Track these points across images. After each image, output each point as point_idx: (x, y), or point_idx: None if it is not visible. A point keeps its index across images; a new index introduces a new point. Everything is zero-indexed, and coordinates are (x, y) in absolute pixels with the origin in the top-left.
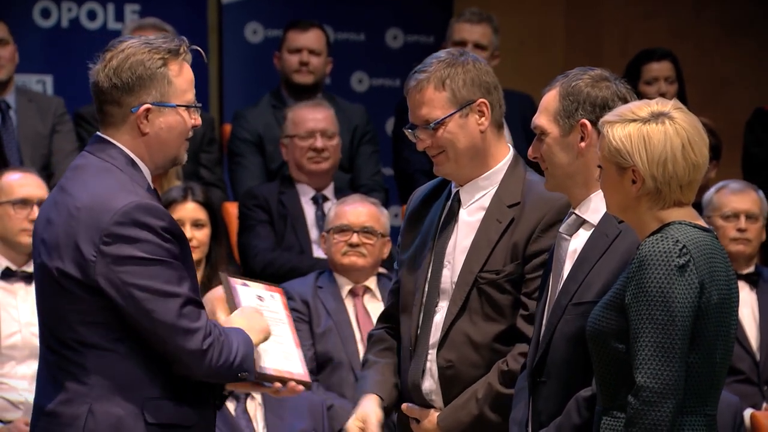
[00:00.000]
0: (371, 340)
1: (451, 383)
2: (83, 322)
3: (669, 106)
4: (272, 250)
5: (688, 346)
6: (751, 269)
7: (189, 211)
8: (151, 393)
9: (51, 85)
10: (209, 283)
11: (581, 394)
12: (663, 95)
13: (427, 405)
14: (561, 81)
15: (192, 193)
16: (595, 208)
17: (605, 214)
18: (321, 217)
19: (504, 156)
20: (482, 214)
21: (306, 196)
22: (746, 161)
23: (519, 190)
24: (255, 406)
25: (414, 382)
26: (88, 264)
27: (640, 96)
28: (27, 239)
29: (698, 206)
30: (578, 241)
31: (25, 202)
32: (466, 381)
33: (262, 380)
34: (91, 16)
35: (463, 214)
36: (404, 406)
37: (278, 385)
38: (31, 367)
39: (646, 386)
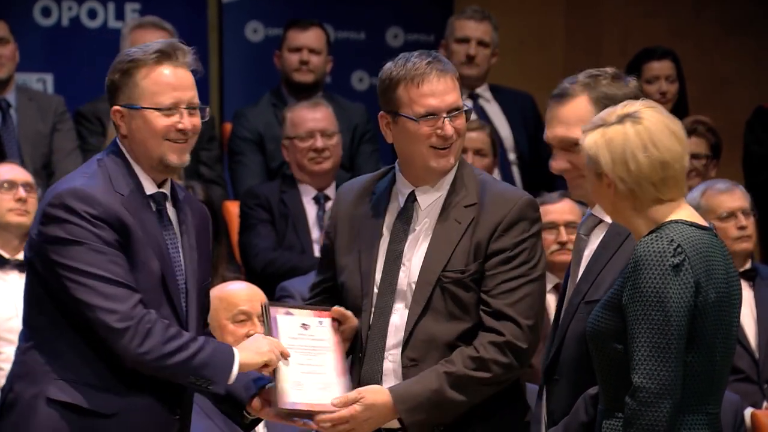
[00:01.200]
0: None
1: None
2: (30, 304)
3: (637, 105)
4: (273, 250)
5: (684, 345)
6: (747, 266)
7: None
8: (74, 376)
9: (51, 83)
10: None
11: (589, 392)
12: (664, 94)
13: None
14: (579, 88)
15: (192, 192)
16: None
17: None
18: (322, 216)
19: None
20: (436, 214)
21: (308, 195)
22: (746, 160)
23: (474, 190)
24: None
25: (371, 383)
26: (31, 243)
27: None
28: (16, 218)
29: None
30: (595, 241)
31: (11, 184)
32: None
33: (288, 416)
34: (92, 14)
35: (420, 215)
36: (335, 401)
37: (303, 421)
38: None
39: (642, 387)
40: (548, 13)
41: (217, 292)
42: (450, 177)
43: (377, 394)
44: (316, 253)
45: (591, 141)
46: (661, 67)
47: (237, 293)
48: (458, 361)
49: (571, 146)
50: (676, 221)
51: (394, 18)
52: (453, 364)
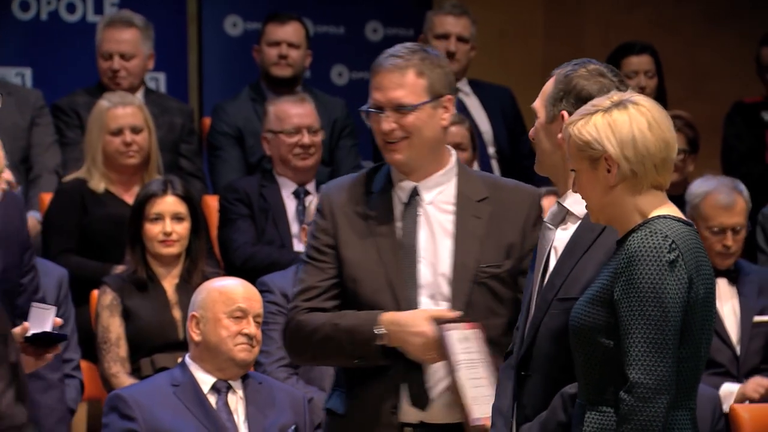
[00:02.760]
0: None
1: None
2: None
3: (628, 94)
4: (252, 244)
5: (678, 341)
6: (730, 266)
7: (169, 204)
8: None
9: (30, 77)
10: (189, 278)
11: (567, 390)
12: (642, 89)
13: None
14: (563, 68)
15: (172, 186)
16: (578, 198)
17: None
18: (302, 211)
19: (451, 155)
20: (449, 209)
21: (287, 189)
22: (725, 154)
23: (480, 185)
24: (236, 400)
25: None
26: None
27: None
28: None
29: (680, 200)
30: (565, 234)
31: None
32: None
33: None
34: (71, 8)
35: (428, 209)
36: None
37: None
38: None
39: (640, 382)
40: (528, 6)
41: (216, 285)
42: (452, 173)
43: None
44: (296, 247)
45: (589, 126)
46: (639, 62)
47: (236, 289)
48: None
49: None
50: (665, 216)
51: (374, 12)
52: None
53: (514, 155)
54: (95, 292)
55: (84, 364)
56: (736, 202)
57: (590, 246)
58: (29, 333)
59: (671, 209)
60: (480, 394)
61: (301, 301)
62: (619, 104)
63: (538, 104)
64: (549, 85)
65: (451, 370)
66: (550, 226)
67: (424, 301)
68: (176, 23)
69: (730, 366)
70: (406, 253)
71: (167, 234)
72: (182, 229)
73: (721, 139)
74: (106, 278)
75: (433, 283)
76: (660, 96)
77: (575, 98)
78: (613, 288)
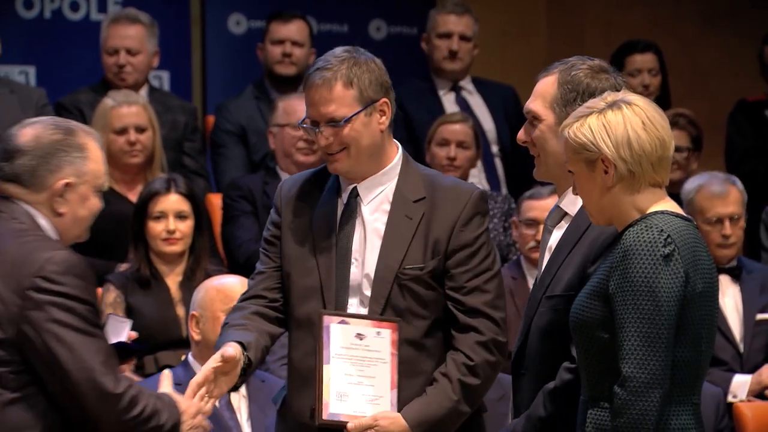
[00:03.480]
0: (231, 310)
1: None
2: None
3: (621, 94)
4: (256, 242)
5: (674, 335)
6: (733, 263)
7: (172, 202)
8: None
9: (34, 76)
10: (193, 275)
11: (548, 386)
12: (646, 87)
13: None
14: (559, 68)
15: (175, 184)
16: (573, 199)
17: (581, 207)
18: None
19: (396, 153)
20: (385, 209)
21: None
22: (729, 152)
23: (420, 185)
24: (239, 398)
25: None
26: None
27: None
28: None
29: (676, 199)
30: (560, 234)
31: None
32: None
33: (328, 426)
34: (74, 7)
35: (364, 210)
36: (351, 426)
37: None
38: None
39: (632, 376)
40: (530, 3)
41: (214, 283)
42: (394, 172)
43: (393, 422)
44: None
45: (584, 128)
46: (643, 60)
47: (234, 287)
48: (455, 372)
49: (531, 119)
50: (662, 212)
51: (377, 11)
52: (450, 377)
53: (517, 154)
54: (99, 290)
55: None
56: (729, 192)
57: (575, 245)
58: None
59: (670, 205)
60: (354, 392)
61: (250, 284)
62: (614, 105)
63: (540, 107)
64: (549, 87)
65: (320, 362)
66: (549, 227)
67: (352, 303)
68: (180, 21)
69: (733, 363)
70: (340, 255)
71: (170, 232)
72: (185, 227)
73: (723, 137)
74: (110, 276)
75: (359, 286)
76: (664, 93)
77: (589, 97)
78: (609, 282)
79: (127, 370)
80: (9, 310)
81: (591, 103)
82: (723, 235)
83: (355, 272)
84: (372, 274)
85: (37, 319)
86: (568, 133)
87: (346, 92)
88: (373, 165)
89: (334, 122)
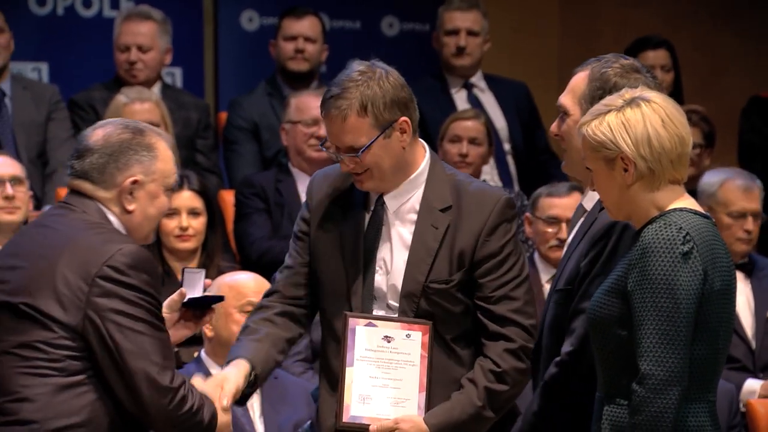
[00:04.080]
0: (255, 308)
1: None
2: None
3: (638, 90)
4: (268, 239)
5: (692, 333)
6: (745, 259)
7: (185, 199)
8: None
9: (47, 72)
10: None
11: (544, 378)
12: (659, 84)
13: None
14: (593, 64)
15: (188, 181)
16: (592, 195)
17: (597, 202)
18: None
19: (423, 157)
20: (412, 218)
21: (303, 184)
22: (742, 149)
23: (447, 192)
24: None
25: None
26: None
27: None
28: (5, 216)
29: (692, 194)
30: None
31: None
32: None
33: (350, 429)
34: (87, 3)
35: (391, 219)
36: (373, 428)
37: None
38: None
39: (651, 374)
40: (543, 1)
41: (226, 280)
42: (421, 179)
43: (414, 426)
44: None
45: (603, 126)
46: (656, 56)
47: (247, 283)
48: (482, 379)
49: (562, 113)
50: (681, 209)
51: (390, 7)
52: (476, 382)
53: (529, 151)
54: None
55: None
56: (754, 188)
57: (581, 239)
58: (186, 298)
59: (689, 202)
60: (379, 394)
61: (276, 277)
62: (632, 102)
63: (569, 101)
64: (581, 82)
65: (343, 364)
66: (573, 224)
67: (376, 312)
68: (192, 18)
69: (745, 360)
70: (366, 263)
71: (183, 229)
72: (198, 224)
73: (735, 133)
74: None
75: (385, 295)
76: (676, 90)
77: None
78: (627, 279)
79: (208, 322)
80: (76, 296)
81: (608, 100)
82: (745, 230)
83: (379, 280)
84: (398, 285)
85: (102, 306)
86: (587, 130)
87: (361, 121)
88: (399, 178)
89: (353, 151)
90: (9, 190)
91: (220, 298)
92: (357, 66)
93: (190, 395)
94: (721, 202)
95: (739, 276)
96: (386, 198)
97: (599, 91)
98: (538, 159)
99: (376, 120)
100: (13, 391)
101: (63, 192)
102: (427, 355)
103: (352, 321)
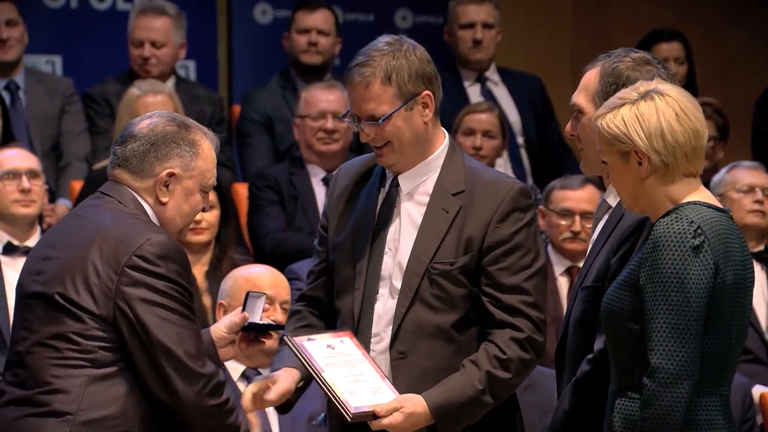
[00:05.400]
0: (292, 316)
1: (402, 372)
2: None
3: (653, 83)
4: (282, 231)
5: (703, 327)
6: (761, 247)
7: None
8: None
9: (60, 65)
10: (219, 265)
11: (576, 378)
12: (673, 76)
13: None
14: (603, 60)
15: None
16: (615, 191)
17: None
18: None
19: (441, 142)
20: (424, 201)
21: (316, 177)
22: (756, 141)
23: (461, 177)
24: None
25: None
26: None
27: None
28: (21, 210)
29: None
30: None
31: (14, 174)
32: (417, 370)
33: (360, 419)
34: None
35: (404, 200)
36: (380, 411)
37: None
38: None
39: (661, 368)
40: None
41: (242, 272)
42: (437, 163)
43: (416, 404)
44: None
45: (617, 119)
46: (669, 48)
47: (262, 276)
48: (485, 363)
49: (577, 112)
50: (694, 202)
51: (403, 0)
52: (479, 365)
53: (542, 144)
54: None
55: None
56: (760, 169)
57: (608, 236)
58: (247, 322)
59: (704, 195)
60: (359, 387)
61: (305, 285)
62: (646, 95)
63: (583, 100)
64: (592, 79)
65: (316, 375)
66: (597, 219)
67: (382, 293)
68: (206, 11)
69: (759, 352)
70: (375, 244)
71: (197, 222)
72: (212, 216)
73: (749, 126)
74: None
75: (391, 275)
76: (690, 82)
77: None
78: (640, 273)
79: (263, 347)
80: (106, 286)
81: (623, 93)
82: (756, 201)
83: (387, 261)
84: (404, 264)
85: (131, 295)
86: (601, 123)
87: (384, 89)
88: (418, 156)
89: (374, 120)
90: (26, 183)
91: (280, 326)
92: (385, 38)
93: (225, 389)
94: (728, 182)
95: (758, 267)
96: (401, 179)
97: (613, 86)
98: (551, 152)
99: (399, 90)
100: (47, 382)
101: (77, 185)
102: (365, 350)
103: (296, 339)
